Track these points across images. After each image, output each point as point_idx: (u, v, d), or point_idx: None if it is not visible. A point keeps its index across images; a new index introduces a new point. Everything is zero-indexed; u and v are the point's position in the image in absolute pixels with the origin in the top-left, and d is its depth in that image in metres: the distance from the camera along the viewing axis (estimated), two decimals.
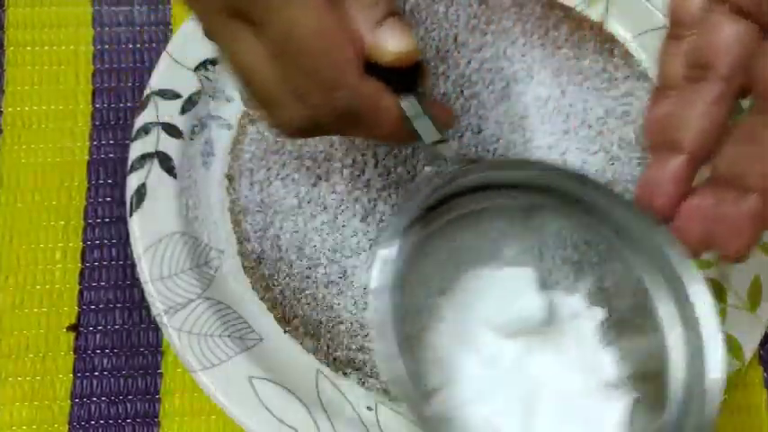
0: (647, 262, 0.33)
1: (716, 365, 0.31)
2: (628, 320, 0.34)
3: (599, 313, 0.35)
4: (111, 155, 0.48)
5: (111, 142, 0.48)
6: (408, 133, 0.33)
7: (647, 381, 0.33)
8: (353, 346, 0.43)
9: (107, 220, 0.47)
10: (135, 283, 0.46)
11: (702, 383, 0.31)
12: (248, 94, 0.33)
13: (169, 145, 0.45)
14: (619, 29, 0.49)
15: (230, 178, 0.46)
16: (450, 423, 0.32)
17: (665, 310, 0.33)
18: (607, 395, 0.33)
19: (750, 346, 0.42)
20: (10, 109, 0.49)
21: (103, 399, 0.44)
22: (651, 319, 0.33)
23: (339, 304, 0.43)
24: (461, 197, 0.34)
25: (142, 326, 0.45)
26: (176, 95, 0.45)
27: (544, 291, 0.35)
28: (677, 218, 0.32)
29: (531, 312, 0.34)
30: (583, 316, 0.35)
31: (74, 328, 0.45)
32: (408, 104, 0.33)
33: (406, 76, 0.33)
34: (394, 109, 0.33)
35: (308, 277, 0.43)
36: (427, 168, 0.34)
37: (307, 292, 0.43)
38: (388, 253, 0.30)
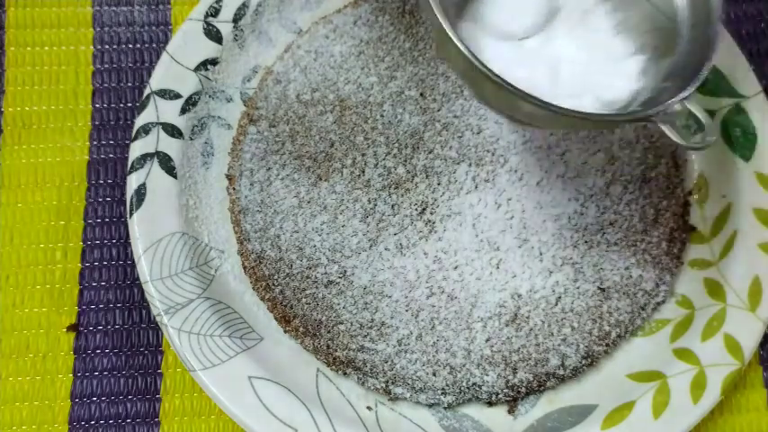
0: None
1: None
2: None
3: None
4: (111, 155, 0.48)
5: (111, 142, 0.48)
6: None
7: (658, 35, 0.37)
8: (353, 346, 0.43)
9: (107, 220, 0.47)
10: (135, 283, 0.46)
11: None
12: None
13: (169, 145, 0.45)
14: None
15: (230, 178, 0.46)
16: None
17: None
18: (621, 58, 0.37)
19: (750, 346, 0.42)
20: (10, 109, 0.49)
21: (104, 398, 0.44)
22: None
23: (339, 304, 0.43)
24: None
25: (142, 326, 0.45)
26: (176, 95, 0.45)
27: None
28: None
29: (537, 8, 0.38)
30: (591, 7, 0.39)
31: (74, 328, 0.45)
32: None
33: None
34: None
35: (308, 277, 0.44)
36: None
37: (307, 292, 0.43)
38: None
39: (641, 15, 0.39)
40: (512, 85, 0.34)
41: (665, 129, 0.35)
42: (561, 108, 0.34)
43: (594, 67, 0.38)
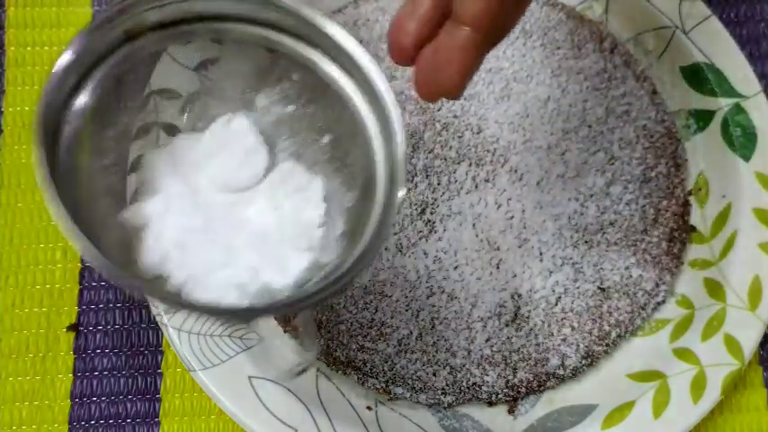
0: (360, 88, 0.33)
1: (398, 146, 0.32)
2: (352, 178, 0.35)
3: (323, 177, 0.35)
4: None
5: None
6: None
7: (346, 240, 0.33)
8: (353, 346, 0.43)
9: None
10: None
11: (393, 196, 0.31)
12: None
13: None
14: (619, 29, 0.49)
15: None
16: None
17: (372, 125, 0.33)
18: (301, 250, 0.34)
19: (750, 346, 0.42)
20: (10, 109, 0.49)
21: (104, 398, 0.44)
22: (370, 175, 0.33)
23: (339, 304, 0.43)
24: (183, 25, 0.35)
25: (142, 325, 0.45)
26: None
27: (271, 147, 0.35)
28: (417, 59, 0.32)
29: (249, 175, 0.35)
30: (305, 179, 0.35)
31: (74, 327, 0.45)
32: None
33: None
34: None
35: None
36: None
37: None
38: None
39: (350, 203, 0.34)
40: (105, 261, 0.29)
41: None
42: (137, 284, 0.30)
43: (271, 246, 0.34)
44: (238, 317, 0.33)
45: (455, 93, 0.32)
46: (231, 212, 0.34)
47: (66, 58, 0.32)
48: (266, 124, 0.36)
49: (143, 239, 0.33)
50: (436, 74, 0.31)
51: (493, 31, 0.31)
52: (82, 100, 0.32)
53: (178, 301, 0.30)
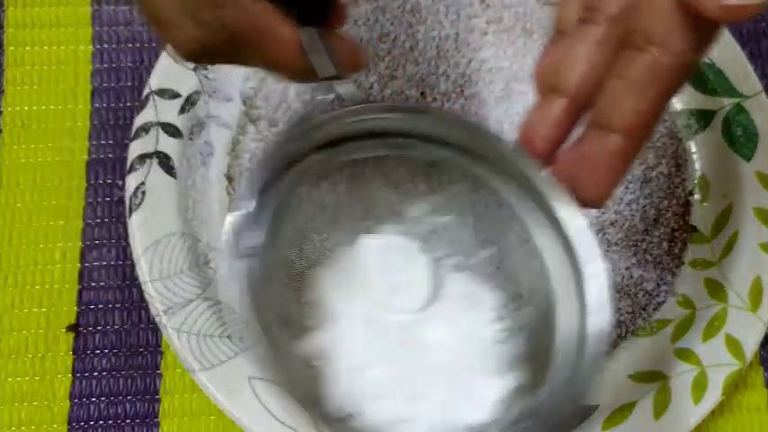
0: (540, 217, 0.31)
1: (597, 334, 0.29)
2: (522, 294, 0.33)
3: (492, 290, 0.34)
4: (111, 155, 0.48)
5: (111, 142, 0.48)
6: (306, 68, 0.32)
7: (532, 361, 0.31)
8: None
9: (106, 220, 0.47)
10: (134, 283, 0.46)
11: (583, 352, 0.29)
12: (142, 11, 0.30)
13: (168, 145, 0.44)
14: None
15: (230, 178, 0.46)
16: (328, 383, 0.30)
17: (558, 274, 0.31)
18: (491, 372, 0.32)
19: (751, 347, 0.42)
20: (9, 109, 0.48)
21: (103, 399, 0.44)
22: (545, 291, 0.31)
23: None
24: (352, 142, 0.33)
25: (141, 326, 0.45)
26: (176, 95, 0.45)
27: (435, 263, 0.33)
28: (555, 163, 0.30)
29: (417, 296, 0.33)
30: (476, 293, 0.34)
31: (73, 328, 0.45)
32: (307, 34, 0.31)
33: (314, 8, 0.31)
34: (288, 36, 0.31)
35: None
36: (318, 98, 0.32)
37: None
38: (242, 217, 0.29)
39: (524, 325, 0.33)
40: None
41: None
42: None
43: (459, 379, 0.31)
44: None
45: (599, 203, 0.29)
46: (408, 336, 0.32)
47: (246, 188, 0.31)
48: (418, 234, 0.34)
49: (323, 374, 0.31)
50: (580, 183, 0.29)
51: (647, 135, 0.29)
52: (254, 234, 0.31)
53: None
